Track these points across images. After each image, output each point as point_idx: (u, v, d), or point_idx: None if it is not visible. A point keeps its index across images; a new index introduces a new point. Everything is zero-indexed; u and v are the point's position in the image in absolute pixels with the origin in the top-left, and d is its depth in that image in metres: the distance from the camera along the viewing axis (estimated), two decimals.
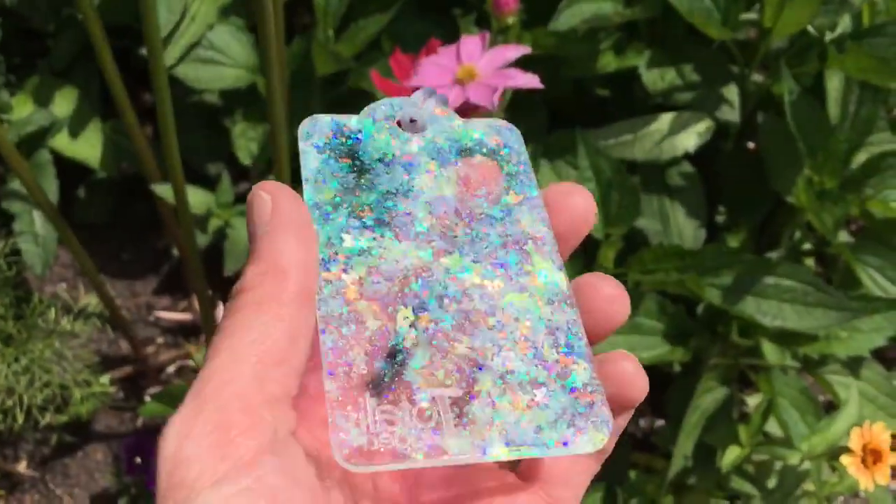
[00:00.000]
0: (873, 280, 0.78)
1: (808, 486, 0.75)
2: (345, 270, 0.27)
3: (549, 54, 0.83)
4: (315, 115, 0.30)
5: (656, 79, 0.85)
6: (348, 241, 0.28)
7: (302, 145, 0.30)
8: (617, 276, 0.31)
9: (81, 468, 0.94)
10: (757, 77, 0.87)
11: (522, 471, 0.28)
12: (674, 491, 0.81)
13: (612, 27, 0.86)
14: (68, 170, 0.95)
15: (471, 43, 0.64)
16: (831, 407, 0.89)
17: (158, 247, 1.08)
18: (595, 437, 0.25)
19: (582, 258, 0.78)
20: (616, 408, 0.27)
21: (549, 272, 0.28)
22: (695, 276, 0.74)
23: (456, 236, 0.28)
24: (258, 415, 0.24)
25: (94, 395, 0.92)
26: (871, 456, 0.66)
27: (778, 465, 0.77)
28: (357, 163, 0.29)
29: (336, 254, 0.27)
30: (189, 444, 0.23)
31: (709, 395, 0.79)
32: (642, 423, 0.96)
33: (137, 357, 0.97)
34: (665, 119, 0.84)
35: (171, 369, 1.00)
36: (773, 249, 0.88)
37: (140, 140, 0.80)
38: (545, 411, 0.26)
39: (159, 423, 0.93)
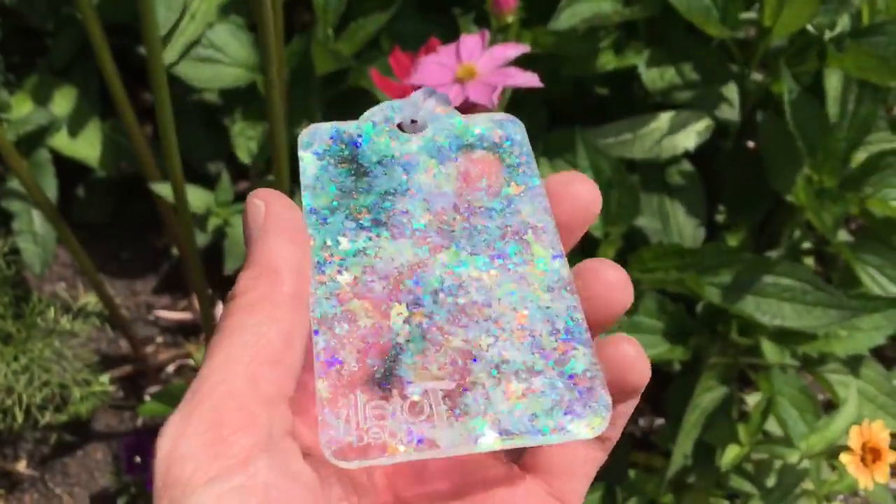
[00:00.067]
0: (873, 279, 0.78)
1: (808, 484, 0.75)
2: (339, 272, 0.27)
3: (548, 53, 0.83)
4: (315, 124, 0.31)
5: (656, 78, 0.85)
6: (344, 243, 0.28)
7: (301, 154, 0.30)
8: None
9: (81, 467, 0.94)
10: (756, 76, 0.87)
11: (525, 462, 0.28)
12: (673, 490, 0.81)
13: (612, 26, 0.86)
14: (67, 169, 0.95)
15: (470, 41, 0.64)
16: (830, 406, 0.89)
17: (158, 246, 1.08)
18: (593, 422, 0.25)
19: (580, 257, 0.77)
20: (617, 393, 0.27)
21: (549, 260, 0.28)
22: (694, 274, 0.74)
23: (453, 231, 0.28)
24: (252, 414, 0.24)
25: (93, 395, 0.92)
26: (871, 454, 0.66)
27: (777, 463, 0.77)
28: (356, 166, 0.30)
29: (332, 256, 0.28)
30: (184, 443, 0.23)
31: (708, 394, 0.79)
32: (642, 422, 0.96)
33: (137, 356, 0.97)
34: (664, 118, 0.84)
35: (170, 368, 1.00)
36: (772, 248, 0.88)
37: (139, 139, 0.80)
38: (541, 399, 0.25)
39: (159, 423, 0.93)
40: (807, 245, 0.90)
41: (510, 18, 0.71)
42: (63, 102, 0.95)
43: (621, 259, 0.77)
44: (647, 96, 0.88)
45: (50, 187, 0.88)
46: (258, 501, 0.23)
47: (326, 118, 0.89)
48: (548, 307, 0.27)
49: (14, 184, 0.88)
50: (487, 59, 0.63)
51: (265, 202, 0.28)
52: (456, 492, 0.27)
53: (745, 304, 0.74)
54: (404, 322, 0.27)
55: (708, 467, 0.79)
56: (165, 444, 0.23)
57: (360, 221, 0.28)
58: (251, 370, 0.24)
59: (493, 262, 0.28)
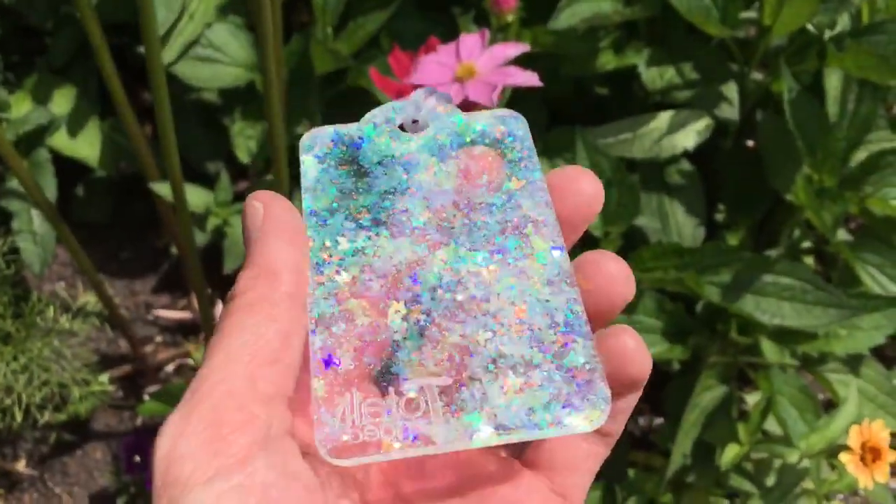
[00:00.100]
0: (872, 278, 0.78)
1: (807, 484, 0.75)
2: (338, 272, 0.28)
3: (548, 52, 0.83)
4: (316, 128, 0.31)
5: (655, 77, 0.85)
6: (343, 243, 0.28)
7: (303, 157, 0.30)
8: None
9: (80, 467, 0.94)
10: (756, 75, 0.87)
11: (527, 458, 0.28)
12: (673, 489, 0.81)
13: (612, 26, 0.86)
14: (67, 168, 0.95)
15: (470, 41, 0.64)
16: (830, 405, 0.89)
17: (157, 245, 1.07)
18: (591, 415, 0.25)
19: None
20: (617, 386, 0.26)
21: (548, 253, 0.28)
22: (694, 274, 0.74)
23: (453, 227, 0.28)
24: (251, 413, 0.24)
25: (92, 394, 0.92)
26: (870, 454, 0.66)
27: (777, 463, 0.77)
28: (357, 167, 0.30)
29: (331, 256, 0.28)
30: (183, 443, 0.23)
31: (708, 394, 0.79)
32: (641, 421, 0.96)
33: (136, 356, 0.97)
34: (664, 117, 0.84)
35: (169, 368, 1.00)
36: (772, 247, 0.88)
37: (138, 138, 0.80)
38: (539, 392, 0.25)
39: (158, 422, 0.93)
40: (806, 244, 0.90)
41: (510, 17, 0.71)
42: (62, 102, 0.95)
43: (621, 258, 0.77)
44: (647, 96, 0.88)
45: (49, 187, 0.88)
46: (257, 500, 0.23)
47: (326, 118, 0.89)
48: (547, 300, 0.27)
49: (13, 183, 0.88)
50: (487, 59, 0.63)
51: (264, 204, 0.28)
52: (457, 488, 0.27)
53: (745, 303, 0.74)
54: (402, 320, 0.27)
55: (707, 466, 0.78)
56: (164, 444, 0.23)
57: (360, 221, 0.28)
58: (250, 370, 0.24)
59: (492, 258, 0.28)
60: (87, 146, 0.95)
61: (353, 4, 0.88)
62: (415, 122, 0.31)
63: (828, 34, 0.80)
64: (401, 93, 0.63)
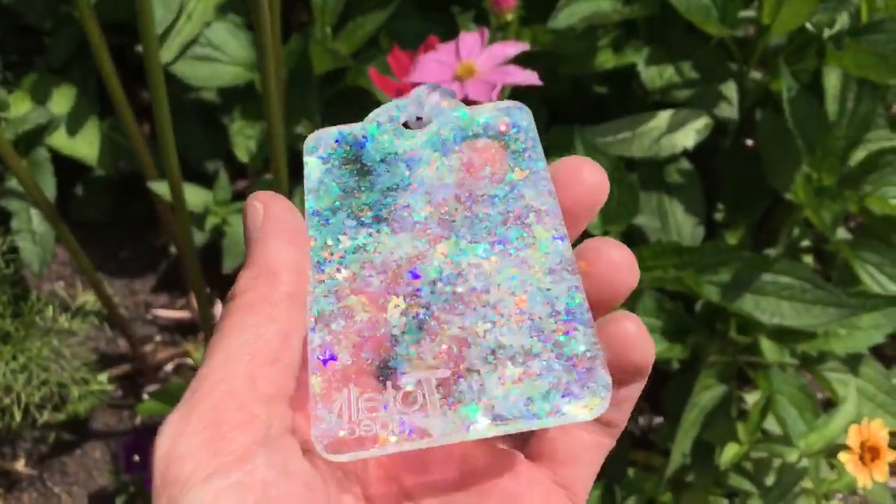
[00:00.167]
0: (872, 277, 0.78)
1: (807, 483, 0.75)
2: (338, 269, 0.28)
3: (547, 51, 0.83)
4: (319, 130, 0.31)
5: (654, 76, 0.85)
6: (345, 241, 0.28)
7: (306, 159, 0.30)
8: None
9: (79, 466, 0.94)
10: (755, 74, 0.87)
11: (530, 450, 0.28)
12: (672, 488, 0.81)
13: (611, 25, 0.86)
14: (66, 168, 0.95)
15: (470, 40, 0.64)
16: (830, 404, 0.89)
17: (156, 245, 1.07)
18: (591, 403, 0.25)
19: None
20: (619, 373, 0.26)
21: (550, 241, 0.28)
22: (693, 273, 0.74)
23: (454, 220, 0.28)
24: (251, 412, 0.24)
25: (92, 394, 0.92)
26: (870, 453, 0.66)
27: (776, 462, 0.77)
28: (360, 166, 0.30)
29: (332, 254, 0.28)
30: (182, 442, 0.23)
31: (707, 393, 0.79)
32: (641, 420, 0.96)
33: (135, 355, 0.97)
34: (663, 116, 0.84)
35: (169, 367, 1.00)
36: (771, 246, 0.88)
37: (137, 138, 0.80)
38: (538, 382, 0.25)
39: (157, 422, 0.93)
40: (806, 243, 0.90)
41: (509, 16, 0.71)
42: (61, 101, 0.95)
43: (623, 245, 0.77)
44: (646, 95, 0.88)
45: (48, 186, 0.88)
46: (256, 498, 0.23)
47: (325, 117, 0.89)
48: (548, 289, 0.27)
49: (13, 183, 0.88)
50: (487, 58, 0.63)
51: (264, 204, 0.28)
52: (459, 481, 0.27)
53: (744, 302, 0.74)
54: (401, 314, 0.27)
55: (707, 466, 0.79)
56: (164, 443, 0.23)
57: (361, 219, 0.29)
58: (250, 370, 0.25)
59: (493, 249, 0.28)
60: (86, 145, 0.95)
61: (352, 4, 0.88)
62: (419, 119, 0.31)
63: (827, 33, 0.80)
64: (400, 92, 0.63)
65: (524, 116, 0.31)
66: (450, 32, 0.72)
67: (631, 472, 0.83)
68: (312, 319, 0.27)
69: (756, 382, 0.81)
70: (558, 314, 0.26)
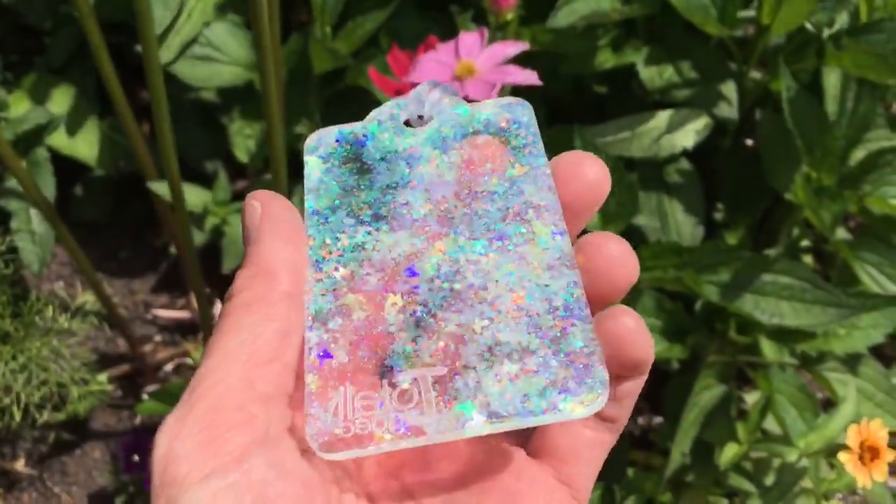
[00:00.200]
0: (871, 277, 0.78)
1: (806, 483, 0.75)
2: (337, 268, 0.28)
3: (547, 51, 0.83)
4: (321, 129, 0.31)
5: (654, 76, 0.85)
6: (344, 239, 0.28)
7: (307, 158, 0.30)
8: None
9: (79, 466, 0.94)
10: (755, 74, 0.87)
11: (532, 447, 0.27)
12: (672, 488, 0.81)
13: (610, 24, 0.86)
14: (65, 168, 0.95)
15: (469, 39, 0.64)
16: (829, 404, 0.89)
17: (156, 245, 1.07)
18: (587, 399, 0.24)
19: None
20: (618, 368, 0.26)
21: (549, 237, 0.27)
22: (693, 273, 0.74)
23: (453, 217, 0.28)
24: (248, 412, 0.24)
25: (91, 394, 0.91)
26: (869, 453, 0.66)
27: (776, 462, 0.77)
28: (360, 165, 0.30)
29: (330, 253, 0.28)
30: (179, 444, 0.23)
31: (707, 393, 0.79)
32: (640, 420, 0.96)
33: (135, 355, 0.97)
34: (663, 116, 0.84)
35: (168, 367, 1.00)
36: (771, 246, 0.88)
37: (137, 138, 0.79)
38: (534, 379, 0.25)
39: (157, 422, 0.93)
40: (805, 243, 0.90)
41: (509, 16, 0.71)
42: (61, 101, 0.95)
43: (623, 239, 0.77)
44: (646, 94, 0.88)
45: (48, 186, 0.88)
46: (253, 498, 0.23)
47: (324, 117, 0.89)
48: (546, 285, 0.26)
49: (12, 183, 0.88)
50: (486, 57, 0.63)
51: (261, 203, 0.28)
52: (460, 479, 0.27)
53: (744, 302, 0.74)
54: (398, 312, 0.27)
55: (706, 466, 0.78)
56: (162, 444, 0.24)
57: (361, 217, 0.28)
58: (247, 369, 0.25)
59: (492, 245, 0.27)
60: (85, 145, 0.94)
61: (352, 3, 0.88)
62: (420, 117, 0.31)
63: (826, 33, 0.80)
64: (399, 92, 0.63)
65: (525, 112, 0.30)
66: (449, 32, 0.72)
67: (630, 471, 0.83)
68: (310, 318, 0.26)
69: (756, 382, 0.81)
70: (556, 310, 0.26)
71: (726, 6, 0.80)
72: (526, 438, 0.28)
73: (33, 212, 0.88)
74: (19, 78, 0.95)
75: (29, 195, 0.74)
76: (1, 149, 0.71)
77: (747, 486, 0.77)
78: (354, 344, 0.26)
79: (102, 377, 0.94)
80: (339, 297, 0.27)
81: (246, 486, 0.23)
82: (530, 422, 0.24)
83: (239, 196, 0.99)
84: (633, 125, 0.85)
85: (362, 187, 0.29)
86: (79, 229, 0.98)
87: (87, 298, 0.95)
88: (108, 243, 1.07)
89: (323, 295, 0.27)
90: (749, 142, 0.95)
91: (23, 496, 0.93)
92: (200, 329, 0.99)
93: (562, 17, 0.79)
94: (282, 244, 0.27)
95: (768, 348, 0.79)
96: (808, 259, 0.91)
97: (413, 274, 0.27)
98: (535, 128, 0.30)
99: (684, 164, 0.88)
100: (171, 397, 0.78)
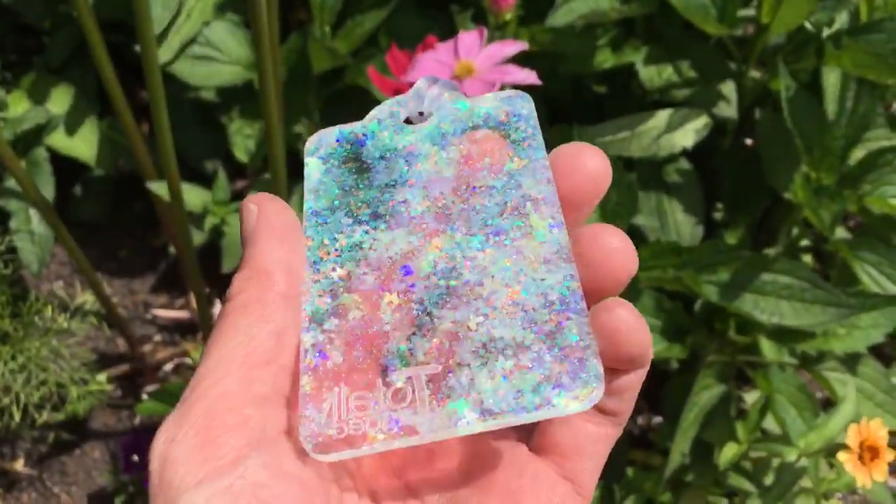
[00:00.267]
0: (871, 276, 0.78)
1: (806, 482, 0.75)
2: (334, 268, 0.27)
3: (546, 51, 0.83)
4: (321, 130, 0.31)
5: (653, 75, 0.85)
6: (342, 239, 0.28)
7: (307, 160, 0.30)
8: None
9: (79, 466, 0.94)
10: (754, 73, 0.87)
11: (535, 443, 0.27)
12: (671, 488, 0.81)
13: (609, 23, 0.86)
14: (65, 167, 0.95)
15: (468, 39, 0.64)
16: (829, 404, 0.89)
17: (155, 244, 1.07)
18: (581, 394, 0.24)
19: None
20: (615, 361, 0.25)
21: (546, 230, 0.27)
22: (692, 272, 0.74)
23: (450, 214, 0.28)
24: (244, 414, 0.24)
25: (90, 394, 0.91)
26: (869, 453, 0.66)
27: (775, 461, 0.77)
28: (359, 164, 0.30)
29: (328, 253, 0.28)
30: (175, 448, 0.23)
31: (706, 392, 0.79)
32: (640, 420, 0.96)
33: (134, 355, 0.97)
34: (662, 116, 0.84)
35: (168, 367, 1.00)
36: (770, 246, 0.88)
37: (136, 137, 0.79)
38: (528, 375, 0.24)
39: (156, 421, 0.93)
40: (805, 243, 0.90)
41: (508, 16, 0.71)
42: (60, 101, 0.95)
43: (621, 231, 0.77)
44: (645, 94, 0.88)
45: (47, 186, 0.88)
46: (248, 501, 0.23)
47: (324, 116, 0.89)
48: (543, 279, 0.26)
49: (11, 183, 0.88)
50: (485, 57, 0.63)
51: (258, 205, 0.28)
52: (464, 475, 0.27)
53: (744, 302, 0.74)
54: (394, 311, 0.26)
55: (706, 465, 0.78)
56: (159, 447, 0.24)
57: (359, 216, 0.28)
58: (244, 371, 0.25)
59: (488, 241, 0.27)
60: (84, 145, 0.94)
61: (351, 3, 0.88)
62: (420, 114, 0.31)
63: (826, 32, 0.80)
64: (398, 91, 0.63)
65: (525, 105, 0.30)
66: (448, 31, 0.72)
67: (630, 471, 0.83)
68: (307, 319, 0.26)
69: (755, 382, 0.81)
70: (552, 304, 0.26)
71: (726, 5, 0.80)
72: (529, 434, 0.27)
73: (32, 212, 0.88)
74: (18, 78, 0.95)
75: (28, 195, 0.74)
76: (0, 149, 0.71)
77: (747, 485, 0.77)
78: (350, 344, 0.26)
79: (102, 377, 0.94)
80: (336, 297, 0.27)
81: (241, 489, 0.23)
82: (524, 418, 0.24)
83: (238, 196, 0.99)
84: (633, 125, 0.85)
85: (361, 187, 0.29)
86: (78, 229, 0.98)
87: (86, 298, 0.95)
88: (107, 243, 1.07)
89: (320, 296, 0.27)
90: (748, 141, 0.95)
91: (22, 496, 0.93)
92: (200, 329, 0.99)
93: (560, 16, 0.79)
94: (278, 245, 0.27)
95: (768, 348, 0.79)
96: (807, 259, 0.91)
97: (409, 272, 0.27)
98: (534, 120, 0.30)
99: (684, 163, 0.88)
100: (170, 397, 0.78)
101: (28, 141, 0.88)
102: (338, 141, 0.30)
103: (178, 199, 0.70)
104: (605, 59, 0.85)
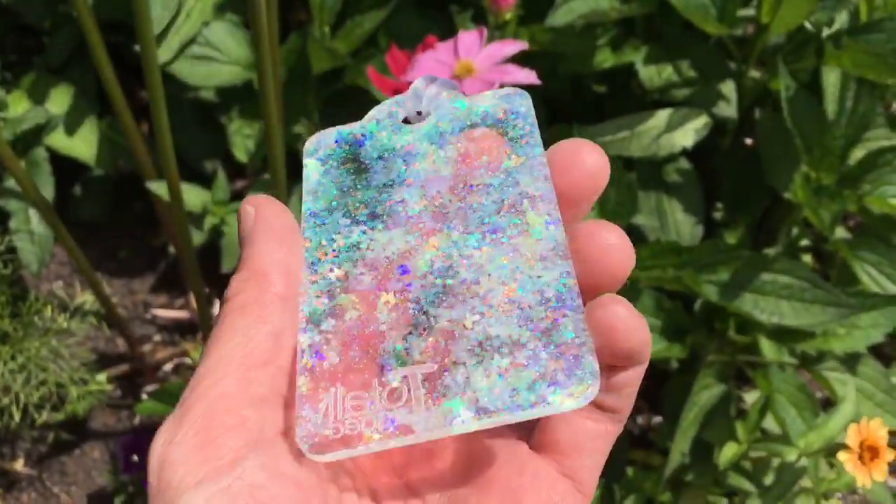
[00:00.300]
0: (870, 276, 0.78)
1: (806, 482, 0.75)
2: (331, 269, 0.28)
3: (546, 51, 0.83)
4: (320, 132, 0.31)
5: (653, 75, 0.85)
6: (339, 240, 0.28)
7: (306, 161, 0.30)
8: None
9: (78, 466, 0.94)
10: (754, 73, 0.87)
11: (535, 440, 0.27)
12: (671, 488, 0.81)
13: (609, 23, 0.86)
14: (64, 167, 0.95)
15: (468, 38, 0.64)
16: (829, 403, 0.89)
17: (155, 244, 1.07)
18: (577, 391, 0.24)
19: None
20: (612, 358, 0.25)
21: (543, 227, 0.27)
22: (692, 272, 0.74)
23: (447, 212, 0.28)
24: (242, 415, 0.24)
25: (90, 394, 0.91)
26: (869, 452, 0.66)
27: (775, 461, 0.77)
28: (357, 165, 0.30)
29: (326, 254, 0.28)
30: (173, 449, 0.23)
31: (706, 392, 0.79)
32: (640, 419, 0.96)
33: (134, 355, 0.97)
34: (662, 115, 0.84)
35: (167, 367, 1.00)
36: (770, 246, 0.88)
37: (136, 137, 0.79)
38: (524, 372, 0.24)
39: (156, 421, 0.93)
40: (805, 242, 0.90)
41: (508, 15, 0.71)
42: (60, 100, 0.95)
43: (618, 227, 0.77)
44: (645, 94, 0.88)
45: (47, 186, 0.88)
46: (245, 502, 0.23)
47: (323, 117, 0.89)
48: (539, 276, 0.26)
49: (11, 182, 0.88)
50: (485, 57, 0.63)
51: (255, 207, 0.28)
52: (464, 473, 0.27)
53: (743, 301, 0.74)
54: (390, 311, 0.26)
55: (706, 465, 0.78)
56: (158, 448, 0.24)
57: (356, 217, 0.28)
58: (242, 372, 0.25)
59: (485, 239, 0.27)
60: (84, 145, 0.94)
61: (350, 3, 0.88)
62: (419, 113, 0.31)
63: (826, 32, 0.80)
64: (398, 91, 0.63)
65: (523, 102, 0.30)
66: (448, 31, 0.72)
67: (630, 471, 0.83)
68: (304, 320, 0.27)
69: (755, 382, 0.81)
70: (548, 301, 0.26)
71: (725, 5, 0.80)
72: (529, 432, 0.27)
73: (32, 212, 0.88)
74: (18, 78, 0.95)
75: (28, 195, 0.74)
76: (0, 149, 0.71)
77: (747, 485, 0.77)
78: (346, 344, 0.26)
79: (101, 377, 0.94)
80: (333, 297, 0.27)
81: (239, 490, 0.23)
82: (519, 416, 0.24)
83: (238, 196, 0.99)
84: (633, 124, 0.85)
85: (359, 187, 0.29)
86: (78, 229, 0.98)
87: (86, 298, 0.95)
88: (107, 243, 1.07)
89: (317, 297, 0.27)
90: (748, 141, 0.95)
91: (22, 496, 0.93)
92: (199, 329, 0.99)
93: (560, 16, 0.79)
94: (275, 246, 0.27)
95: (768, 348, 0.79)
96: (807, 258, 0.91)
97: (406, 271, 0.27)
98: (532, 118, 0.30)
99: (683, 163, 0.88)
100: (170, 397, 0.78)
101: (28, 141, 0.88)
102: (336, 142, 0.30)
103: (177, 199, 0.70)
104: (605, 59, 0.85)
